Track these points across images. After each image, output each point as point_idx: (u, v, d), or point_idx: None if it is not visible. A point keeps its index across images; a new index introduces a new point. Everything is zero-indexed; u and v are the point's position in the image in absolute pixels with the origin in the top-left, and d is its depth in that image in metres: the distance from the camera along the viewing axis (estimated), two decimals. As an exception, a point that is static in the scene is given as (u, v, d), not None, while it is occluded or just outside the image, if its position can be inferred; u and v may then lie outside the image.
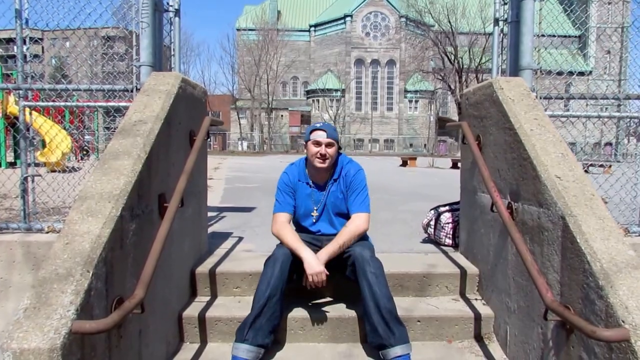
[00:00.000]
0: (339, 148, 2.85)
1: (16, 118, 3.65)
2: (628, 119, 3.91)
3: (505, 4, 3.42)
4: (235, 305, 2.88)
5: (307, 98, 60.28)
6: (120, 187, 2.06)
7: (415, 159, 22.80)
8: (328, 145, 2.73)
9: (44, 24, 3.43)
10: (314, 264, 2.55)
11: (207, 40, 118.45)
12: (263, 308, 2.48)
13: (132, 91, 3.32)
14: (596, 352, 1.74)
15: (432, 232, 3.99)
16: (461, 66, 42.55)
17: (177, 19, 3.61)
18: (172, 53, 3.70)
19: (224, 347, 2.65)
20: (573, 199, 2.08)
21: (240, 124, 56.93)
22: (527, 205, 2.39)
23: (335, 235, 2.75)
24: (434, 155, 36.21)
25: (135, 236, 2.11)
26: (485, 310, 2.86)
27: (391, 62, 58.09)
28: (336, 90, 57.06)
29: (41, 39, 3.69)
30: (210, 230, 4.23)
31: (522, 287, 2.41)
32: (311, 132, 2.80)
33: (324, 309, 2.82)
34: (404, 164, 21.68)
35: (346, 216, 2.85)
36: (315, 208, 2.90)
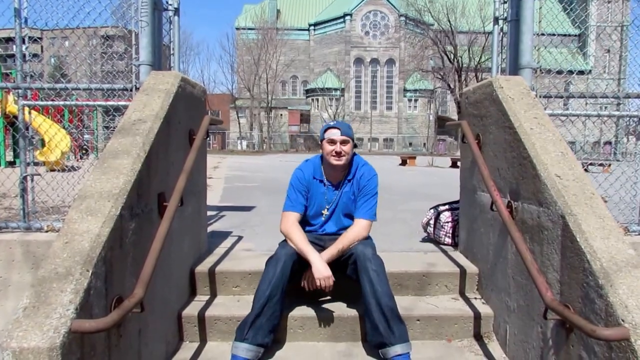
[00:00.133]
0: (355, 146, 2.84)
1: (15, 117, 3.65)
2: (627, 118, 3.91)
3: (505, 2, 3.42)
4: (234, 304, 2.88)
5: (307, 97, 60.25)
6: (119, 186, 2.06)
7: (414, 158, 22.80)
8: (343, 142, 2.72)
9: (43, 23, 3.43)
10: (323, 269, 2.56)
11: (207, 39, 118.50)
12: (263, 307, 2.48)
13: (131, 90, 3.31)
14: (596, 351, 1.74)
15: (432, 231, 3.99)
16: (460, 65, 42.56)
17: (176, 17, 3.61)
18: (172, 52, 3.70)
19: (223, 346, 2.65)
20: (573, 198, 2.08)
21: (239, 123, 56.91)
22: (526, 204, 2.39)
23: (338, 235, 2.77)
24: (433, 154, 36.24)
25: (135, 235, 2.11)
26: (484, 309, 2.86)
27: (390, 61, 58.07)
28: (335, 89, 57.03)
29: (40, 38, 3.68)
30: (209, 229, 4.23)
31: (522, 286, 2.41)
32: (325, 130, 2.79)
33: (323, 308, 2.82)
34: (404, 163, 21.68)
35: (353, 217, 2.85)
36: (327, 207, 2.88)
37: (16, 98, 3.55)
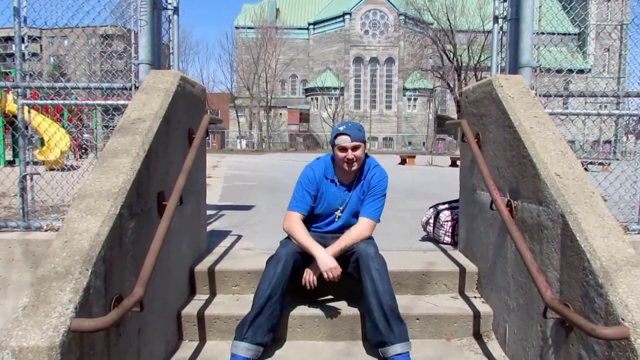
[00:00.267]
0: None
1: (15, 116, 3.65)
2: (627, 117, 3.91)
3: (505, 1, 3.41)
4: (234, 304, 2.88)
5: (306, 96, 60.20)
6: (119, 185, 2.05)
7: (414, 157, 22.78)
8: (354, 148, 2.68)
9: (42, 22, 3.42)
10: (329, 260, 2.57)
11: (206, 38, 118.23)
12: (263, 307, 2.48)
13: (130, 89, 3.31)
14: (595, 350, 1.74)
15: (431, 230, 3.99)
16: (460, 64, 42.56)
17: (175, 16, 3.61)
18: (171, 51, 3.70)
19: (222, 345, 2.65)
20: (573, 197, 2.08)
21: (239, 122, 56.86)
22: (526, 203, 2.39)
23: (341, 233, 2.77)
24: (432, 153, 36.21)
25: (134, 234, 2.10)
26: (484, 308, 2.86)
27: (390, 60, 58.02)
28: (335, 89, 56.97)
29: (39, 37, 3.68)
30: (209, 228, 4.23)
31: (522, 285, 2.41)
32: (335, 136, 2.73)
33: (323, 307, 2.82)
34: (403, 162, 21.66)
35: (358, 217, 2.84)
36: (340, 208, 2.86)
37: (15, 97, 3.55)
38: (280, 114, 58.10)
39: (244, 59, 55.91)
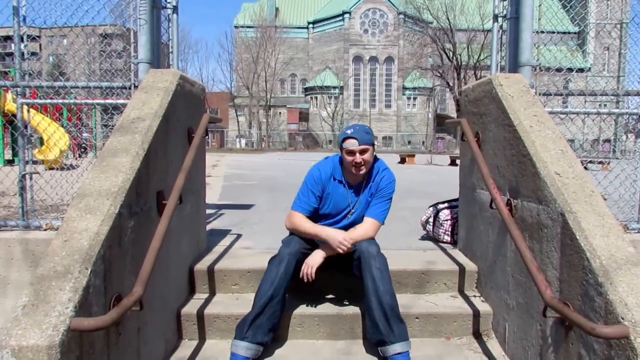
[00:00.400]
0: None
1: (14, 115, 3.64)
2: (627, 115, 3.91)
3: (505, 0, 3.41)
4: (233, 303, 2.88)
5: (306, 95, 60.15)
6: (118, 184, 2.05)
7: (413, 156, 22.78)
8: (362, 152, 2.64)
9: (41, 21, 3.42)
10: (338, 234, 2.64)
11: (205, 37, 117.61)
12: (265, 307, 2.47)
13: (130, 88, 3.31)
14: (595, 349, 1.74)
15: (431, 229, 3.99)
16: (459, 63, 42.57)
17: (175, 15, 3.60)
18: (170, 50, 3.69)
19: (222, 344, 2.65)
20: (572, 196, 2.08)
21: (238, 121, 56.82)
22: (526, 202, 2.39)
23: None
24: (432, 153, 36.22)
25: (134, 233, 2.10)
26: (484, 307, 2.86)
27: (389, 59, 57.98)
28: (334, 88, 56.93)
29: (39, 37, 3.67)
30: (208, 227, 4.23)
31: (521, 284, 2.41)
32: (343, 140, 2.69)
33: (322, 306, 2.82)
34: (403, 161, 21.67)
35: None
36: (348, 210, 2.83)
37: (15, 96, 3.55)
38: (280, 113, 58.05)
39: (243, 58, 55.87)
